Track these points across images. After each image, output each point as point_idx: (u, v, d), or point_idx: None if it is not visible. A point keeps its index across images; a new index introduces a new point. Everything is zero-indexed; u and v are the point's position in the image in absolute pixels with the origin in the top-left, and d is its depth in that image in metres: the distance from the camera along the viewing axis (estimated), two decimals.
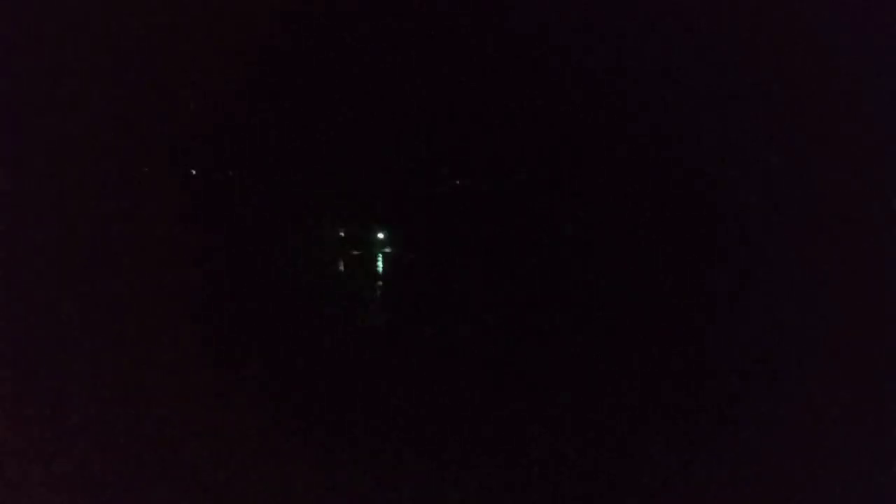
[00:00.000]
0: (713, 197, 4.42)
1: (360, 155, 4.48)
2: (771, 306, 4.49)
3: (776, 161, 4.37)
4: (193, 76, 4.18)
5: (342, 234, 4.59)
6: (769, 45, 4.27)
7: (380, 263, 4.65)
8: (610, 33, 4.18)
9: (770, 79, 4.31)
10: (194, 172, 4.34)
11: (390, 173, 4.51)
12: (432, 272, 4.68)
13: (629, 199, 4.43)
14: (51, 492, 3.83)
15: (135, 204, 4.27)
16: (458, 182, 4.50)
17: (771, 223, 4.47)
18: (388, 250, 4.64)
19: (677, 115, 4.25)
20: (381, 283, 4.70)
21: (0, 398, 4.05)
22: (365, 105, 4.30)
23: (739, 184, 4.36)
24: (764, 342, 4.47)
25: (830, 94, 4.25)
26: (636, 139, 4.33)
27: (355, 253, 4.61)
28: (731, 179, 4.35)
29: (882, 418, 4.15)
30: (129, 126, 4.20)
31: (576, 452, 4.18)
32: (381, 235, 4.61)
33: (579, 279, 4.52)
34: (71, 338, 4.19)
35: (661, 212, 4.41)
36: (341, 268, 4.64)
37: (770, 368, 4.42)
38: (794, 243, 4.47)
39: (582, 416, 4.28)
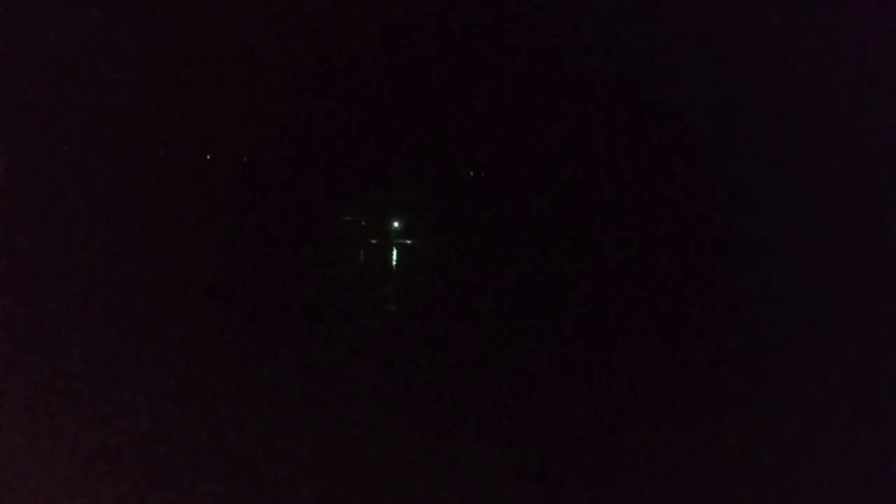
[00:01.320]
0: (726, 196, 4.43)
1: (379, 147, 4.46)
2: (772, 305, 4.49)
3: (776, 160, 4.37)
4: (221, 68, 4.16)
5: (362, 223, 4.56)
6: (769, 46, 4.26)
7: (395, 254, 4.63)
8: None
9: (770, 78, 4.31)
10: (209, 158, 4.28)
11: (410, 165, 4.48)
12: (451, 262, 4.66)
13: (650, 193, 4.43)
14: (51, 492, 3.82)
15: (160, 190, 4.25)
16: (477, 174, 4.48)
17: (771, 222, 4.47)
18: (406, 241, 4.62)
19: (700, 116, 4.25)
20: (398, 271, 4.67)
21: (1, 398, 4.04)
22: (388, 97, 4.28)
23: (745, 184, 4.37)
24: (764, 342, 4.47)
25: (832, 95, 4.25)
26: (653, 137, 4.34)
27: (374, 242, 4.58)
28: (742, 179, 4.36)
29: (882, 418, 4.15)
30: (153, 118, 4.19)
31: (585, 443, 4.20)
32: (397, 225, 4.58)
33: (594, 273, 4.52)
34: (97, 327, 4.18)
35: (671, 209, 4.41)
36: (361, 257, 4.63)
37: (771, 367, 4.42)
38: (795, 242, 4.47)
39: (591, 408, 4.29)
